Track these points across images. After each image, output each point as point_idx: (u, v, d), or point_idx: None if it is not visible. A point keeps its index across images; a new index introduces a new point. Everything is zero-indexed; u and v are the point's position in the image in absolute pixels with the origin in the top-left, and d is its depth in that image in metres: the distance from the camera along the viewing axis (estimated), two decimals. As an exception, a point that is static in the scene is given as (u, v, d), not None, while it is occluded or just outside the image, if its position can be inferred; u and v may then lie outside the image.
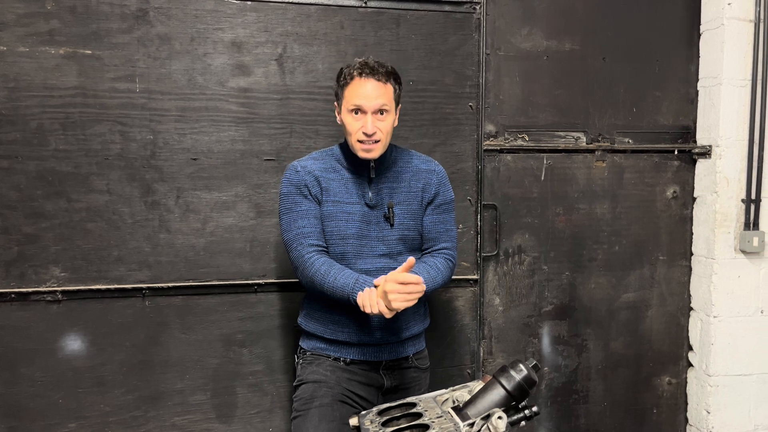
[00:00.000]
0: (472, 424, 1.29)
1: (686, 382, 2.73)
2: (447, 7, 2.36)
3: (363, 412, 1.41)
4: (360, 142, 1.73)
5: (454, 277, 2.05)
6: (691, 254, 2.68)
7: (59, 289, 2.15)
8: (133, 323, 2.22)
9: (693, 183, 2.66)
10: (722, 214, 2.53)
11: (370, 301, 1.58)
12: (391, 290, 1.54)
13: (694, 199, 2.67)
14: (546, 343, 2.59)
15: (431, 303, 2.19)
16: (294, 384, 1.88)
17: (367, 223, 1.79)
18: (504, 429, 1.28)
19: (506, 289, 2.54)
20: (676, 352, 2.72)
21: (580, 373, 2.64)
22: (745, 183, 2.53)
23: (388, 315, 1.57)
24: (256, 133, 2.25)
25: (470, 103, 2.41)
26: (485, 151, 2.44)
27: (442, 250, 1.87)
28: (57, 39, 2.09)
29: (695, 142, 2.64)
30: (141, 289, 2.21)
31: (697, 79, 2.63)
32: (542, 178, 2.53)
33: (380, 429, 1.31)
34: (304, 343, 1.89)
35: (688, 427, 2.74)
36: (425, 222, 1.86)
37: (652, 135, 2.61)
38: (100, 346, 2.20)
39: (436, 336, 2.42)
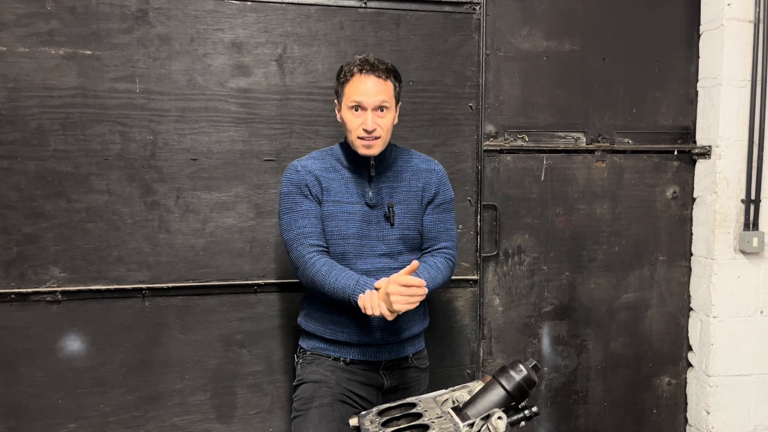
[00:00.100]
0: (471, 425, 1.29)
1: (686, 383, 2.74)
2: (447, 8, 2.36)
3: (363, 413, 1.41)
4: (360, 138, 1.73)
5: (453, 277, 2.05)
6: (691, 254, 2.69)
7: (59, 289, 2.15)
8: (133, 323, 2.22)
9: (693, 183, 2.66)
10: (722, 214, 2.53)
11: (371, 303, 1.58)
12: (394, 292, 1.54)
13: (693, 200, 2.67)
14: (546, 343, 2.59)
15: (431, 303, 2.19)
16: (294, 384, 1.88)
17: (368, 223, 1.79)
18: (504, 429, 1.28)
19: (506, 290, 2.54)
20: (675, 353, 2.72)
21: (579, 373, 2.64)
22: (745, 183, 2.53)
23: (389, 317, 1.58)
24: (255, 133, 2.25)
25: (470, 104, 2.42)
26: (485, 151, 2.44)
27: (442, 250, 1.87)
28: (57, 39, 2.09)
29: (695, 142, 2.64)
30: (141, 289, 2.21)
31: (697, 80, 2.63)
32: (542, 179, 2.53)
33: (380, 429, 1.31)
34: (303, 343, 1.89)
35: (687, 427, 2.74)
36: (425, 221, 1.87)
37: (652, 135, 2.62)
38: (100, 347, 2.20)
39: (435, 336, 2.42)
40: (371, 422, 1.34)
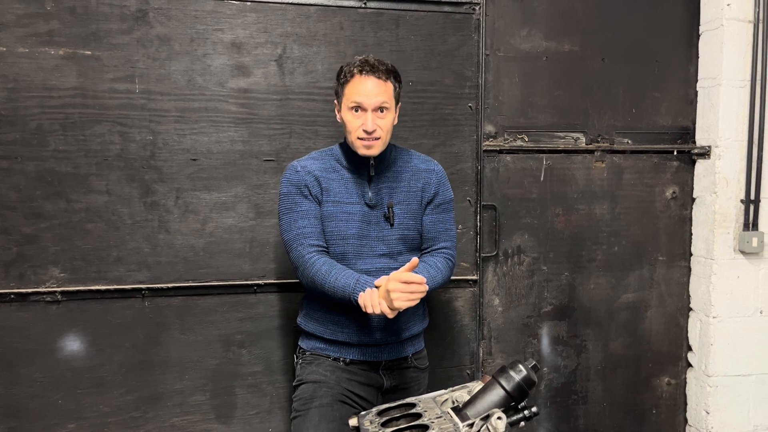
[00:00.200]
0: (471, 425, 1.29)
1: (685, 383, 2.74)
2: (446, 8, 2.36)
3: (362, 413, 1.41)
4: (360, 139, 1.73)
5: (453, 277, 2.05)
6: (691, 255, 2.69)
7: (58, 289, 2.15)
8: (133, 324, 2.22)
9: (692, 183, 2.66)
10: (721, 214, 2.53)
11: (371, 301, 1.57)
12: (394, 289, 1.54)
13: (693, 200, 2.67)
14: (545, 343, 2.59)
15: (430, 303, 2.19)
16: (293, 384, 1.88)
17: (367, 223, 1.79)
18: (503, 429, 1.28)
19: (505, 290, 2.54)
20: (675, 353, 2.72)
21: (579, 373, 2.64)
22: (745, 183, 2.53)
23: (390, 315, 1.57)
24: (255, 133, 2.25)
25: (470, 104, 2.42)
26: (485, 151, 2.44)
27: (442, 250, 1.87)
28: (56, 40, 2.09)
29: (694, 142, 2.65)
30: (140, 289, 2.21)
31: (697, 80, 2.63)
32: (541, 179, 2.53)
33: (380, 429, 1.31)
34: (303, 343, 1.89)
35: (687, 427, 2.74)
36: (425, 221, 1.87)
37: (652, 136, 2.62)
38: (100, 347, 2.20)
39: (435, 336, 2.42)
40: (371, 422, 1.34)
